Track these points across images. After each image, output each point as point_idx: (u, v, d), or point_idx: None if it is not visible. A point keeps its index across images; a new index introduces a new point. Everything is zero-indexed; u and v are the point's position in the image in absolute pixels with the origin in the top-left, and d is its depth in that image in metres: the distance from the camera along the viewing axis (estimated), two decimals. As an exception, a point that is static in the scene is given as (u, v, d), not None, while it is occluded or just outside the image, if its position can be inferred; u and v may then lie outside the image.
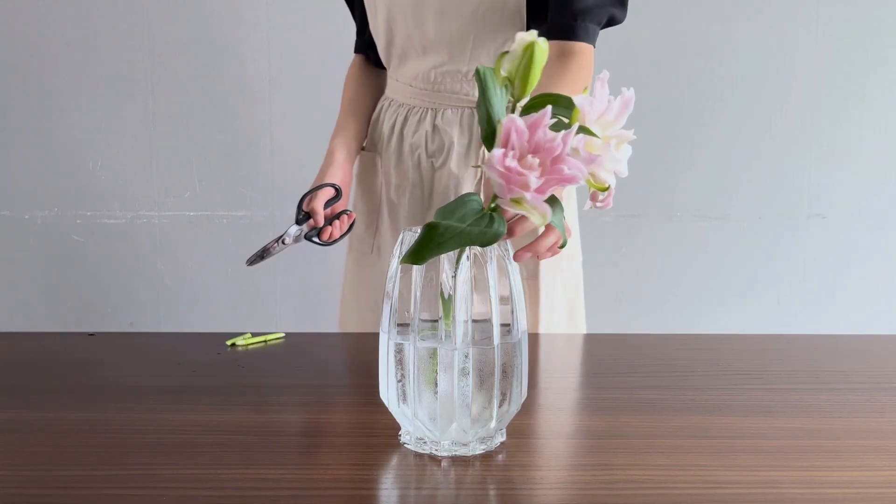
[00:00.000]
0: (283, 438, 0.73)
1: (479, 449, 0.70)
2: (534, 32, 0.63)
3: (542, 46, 0.63)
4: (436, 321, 0.67)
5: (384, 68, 1.37)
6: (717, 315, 2.19)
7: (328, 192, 1.20)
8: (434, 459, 0.68)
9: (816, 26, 2.11)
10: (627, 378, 0.91)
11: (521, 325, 0.70)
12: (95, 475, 0.65)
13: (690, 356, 1.00)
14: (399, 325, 0.69)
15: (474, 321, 0.68)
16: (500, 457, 0.69)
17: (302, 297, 2.18)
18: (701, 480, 0.65)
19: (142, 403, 0.81)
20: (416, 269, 0.68)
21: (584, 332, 1.36)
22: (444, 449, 0.69)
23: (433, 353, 0.67)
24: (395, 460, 0.69)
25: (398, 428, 0.73)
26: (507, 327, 0.69)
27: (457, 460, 0.68)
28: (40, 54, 2.12)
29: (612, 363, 0.97)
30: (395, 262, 0.70)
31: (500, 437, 0.72)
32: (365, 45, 1.39)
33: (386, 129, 1.30)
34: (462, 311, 0.67)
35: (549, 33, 1.16)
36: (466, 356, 0.67)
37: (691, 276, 2.19)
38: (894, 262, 2.20)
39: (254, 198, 2.12)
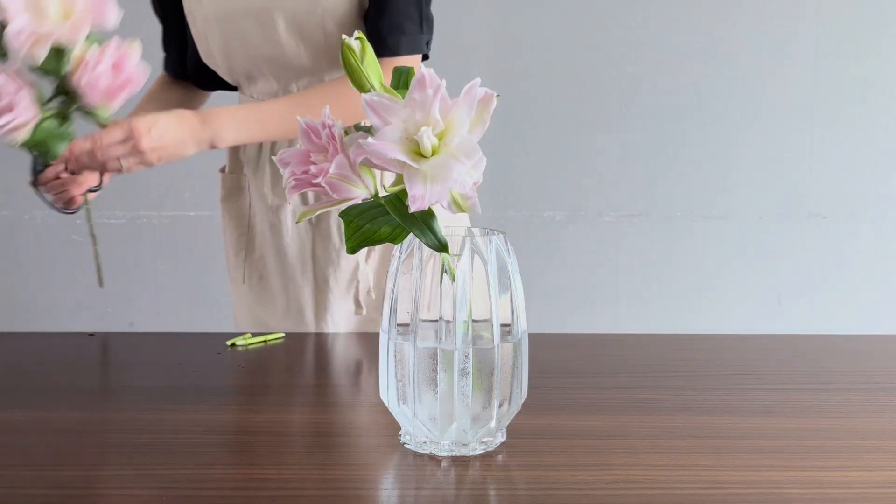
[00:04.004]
0: (283, 438, 0.73)
1: (479, 449, 0.70)
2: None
3: (349, 43, 0.63)
4: (436, 321, 0.67)
5: (194, 85, 1.34)
6: (717, 315, 2.19)
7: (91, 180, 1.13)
8: (434, 459, 0.68)
9: (816, 26, 2.11)
10: (627, 378, 0.91)
11: (522, 325, 0.70)
12: (95, 475, 0.65)
13: (690, 356, 1.00)
14: (399, 325, 0.69)
15: (474, 321, 0.68)
16: (500, 457, 0.69)
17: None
18: (701, 480, 0.65)
19: (142, 403, 0.81)
20: (416, 269, 0.68)
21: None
22: (444, 449, 0.69)
23: (433, 353, 0.67)
24: (395, 460, 0.69)
25: (398, 428, 0.73)
26: (507, 327, 0.69)
27: (457, 460, 0.68)
28: (40, 54, 2.12)
29: (611, 363, 0.97)
30: (395, 263, 0.70)
31: (500, 437, 0.72)
32: (175, 63, 1.34)
33: (253, 148, 1.24)
34: (462, 311, 0.67)
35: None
36: (466, 356, 0.67)
37: (691, 276, 2.19)
38: (894, 262, 2.20)
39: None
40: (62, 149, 1.02)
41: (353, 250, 0.66)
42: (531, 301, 0.77)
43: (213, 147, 1.11)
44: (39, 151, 1.02)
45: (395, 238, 0.66)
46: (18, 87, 0.93)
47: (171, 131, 1.07)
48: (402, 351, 0.68)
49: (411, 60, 1.18)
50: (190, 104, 1.34)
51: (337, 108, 1.12)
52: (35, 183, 1.13)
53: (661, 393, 0.86)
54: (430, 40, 1.22)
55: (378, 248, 1.22)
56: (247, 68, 1.21)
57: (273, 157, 0.65)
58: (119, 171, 1.07)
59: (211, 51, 1.23)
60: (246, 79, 1.23)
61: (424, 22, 1.19)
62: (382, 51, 1.15)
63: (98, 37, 0.97)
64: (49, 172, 1.12)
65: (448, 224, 0.68)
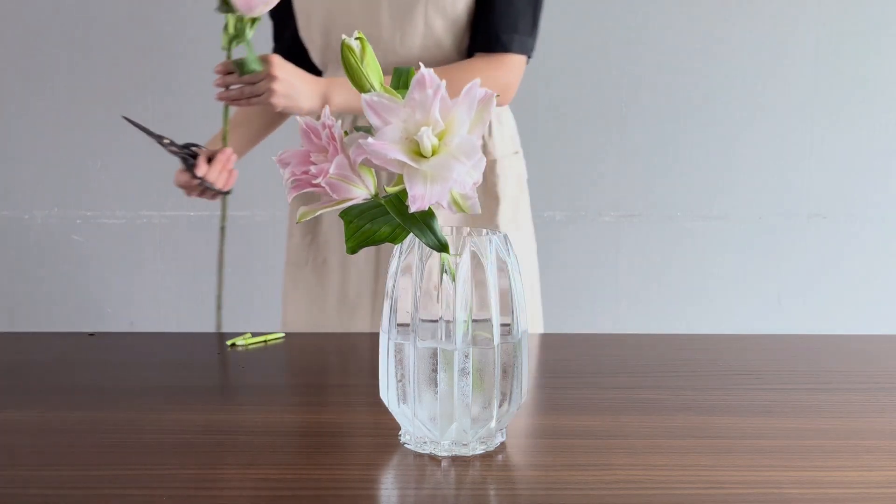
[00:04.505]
0: (283, 438, 0.73)
1: (479, 449, 0.70)
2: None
3: (349, 43, 0.63)
4: (436, 321, 0.68)
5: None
6: (717, 315, 2.20)
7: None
8: (434, 459, 0.68)
9: (816, 26, 2.11)
10: (627, 378, 0.91)
11: (522, 325, 0.70)
12: (95, 475, 0.65)
13: (690, 356, 1.00)
14: (399, 325, 0.69)
15: (474, 321, 0.68)
16: (500, 457, 0.69)
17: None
18: (701, 480, 0.65)
19: (142, 403, 0.81)
20: (416, 269, 0.68)
21: (542, 328, 1.38)
22: (444, 449, 0.69)
23: (433, 353, 0.67)
24: (395, 460, 0.69)
25: (398, 428, 0.73)
26: (507, 327, 0.69)
27: (457, 460, 0.68)
28: (40, 54, 2.12)
29: (611, 363, 0.97)
30: (395, 263, 0.70)
31: (500, 437, 0.72)
32: (285, 50, 1.37)
33: None
34: (462, 311, 0.67)
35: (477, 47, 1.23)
36: (466, 356, 0.67)
37: (691, 276, 2.19)
38: (894, 262, 2.20)
39: (254, 198, 2.13)
40: (255, 68, 1.14)
41: (353, 250, 0.66)
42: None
43: (323, 105, 1.16)
44: (246, 68, 1.13)
45: (395, 238, 0.66)
46: None
47: (298, 76, 1.15)
48: (402, 351, 0.68)
49: (518, 60, 1.23)
50: None
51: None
52: (195, 174, 1.21)
53: (661, 393, 0.86)
54: (535, 46, 1.26)
55: None
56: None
57: (273, 158, 0.65)
58: (240, 97, 1.15)
59: (311, 26, 1.26)
60: (337, 60, 1.26)
61: (535, 27, 1.24)
62: (495, 46, 1.20)
63: None
64: (201, 161, 1.21)
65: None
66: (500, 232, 0.70)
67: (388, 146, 0.59)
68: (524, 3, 1.21)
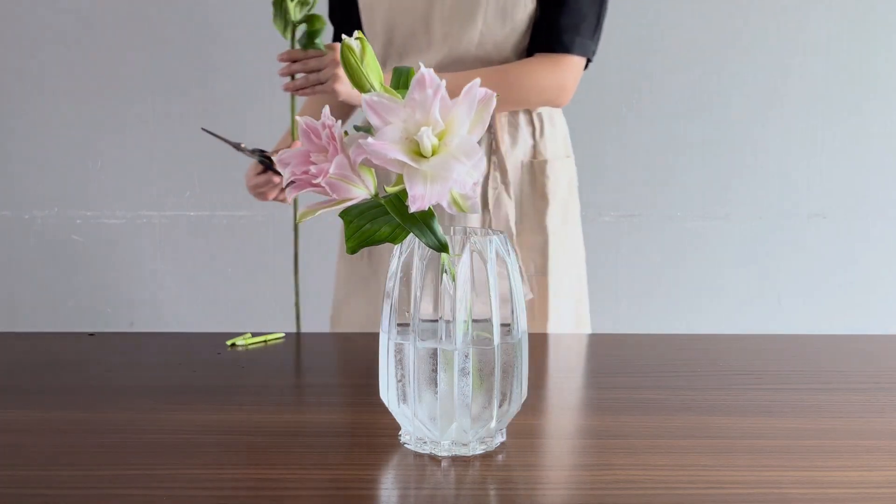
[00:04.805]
0: (283, 438, 0.73)
1: (479, 449, 0.70)
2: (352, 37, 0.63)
3: (349, 43, 0.62)
4: (436, 321, 0.67)
5: None
6: (717, 315, 2.20)
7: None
8: (434, 459, 0.68)
9: (817, 26, 2.11)
10: (628, 378, 0.91)
11: (521, 325, 0.70)
12: (95, 475, 0.65)
13: (690, 356, 1.00)
14: (399, 325, 0.69)
15: (474, 321, 0.68)
16: (500, 457, 0.69)
17: (302, 297, 2.19)
18: (701, 480, 0.65)
19: (142, 403, 0.81)
20: (416, 269, 0.68)
21: (590, 329, 1.38)
22: (444, 449, 0.69)
23: (433, 353, 0.67)
24: (395, 460, 0.69)
25: (398, 428, 0.73)
26: (507, 327, 0.69)
27: (457, 460, 0.68)
28: (40, 54, 2.12)
29: (612, 363, 0.97)
30: (395, 262, 0.70)
31: (500, 437, 0.72)
32: None
33: None
34: (462, 311, 0.67)
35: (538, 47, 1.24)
36: (466, 356, 0.67)
37: (691, 275, 2.19)
38: (894, 262, 2.20)
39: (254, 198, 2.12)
40: (320, 44, 1.18)
41: (353, 250, 0.66)
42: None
43: None
44: (315, 38, 1.18)
45: (395, 238, 0.66)
46: None
47: None
48: (402, 351, 0.68)
49: (577, 62, 1.24)
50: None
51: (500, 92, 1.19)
52: (276, 171, 1.24)
53: (661, 393, 0.86)
54: (596, 50, 1.27)
55: None
56: (404, 42, 1.26)
57: (274, 158, 0.65)
58: (305, 85, 1.16)
59: (374, 21, 1.28)
60: (398, 56, 1.28)
61: (598, 31, 1.25)
62: (556, 47, 1.21)
63: None
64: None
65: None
66: (499, 232, 0.70)
67: (388, 146, 0.59)
68: (588, 6, 1.23)
